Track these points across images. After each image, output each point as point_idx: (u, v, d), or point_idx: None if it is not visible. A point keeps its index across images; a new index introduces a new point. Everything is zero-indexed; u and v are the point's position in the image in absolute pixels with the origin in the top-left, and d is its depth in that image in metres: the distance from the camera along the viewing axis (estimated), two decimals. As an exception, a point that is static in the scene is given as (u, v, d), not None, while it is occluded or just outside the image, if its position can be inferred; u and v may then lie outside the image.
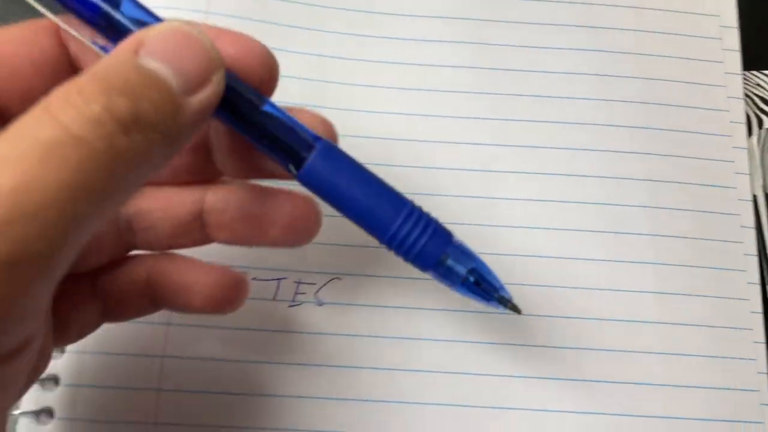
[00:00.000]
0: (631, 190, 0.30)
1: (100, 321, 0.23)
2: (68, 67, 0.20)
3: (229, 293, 0.23)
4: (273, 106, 0.20)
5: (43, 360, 0.20)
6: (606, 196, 0.30)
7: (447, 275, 0.21)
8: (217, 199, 0.22)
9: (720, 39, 0.33)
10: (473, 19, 0.32)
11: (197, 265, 0.23)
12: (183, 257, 0.23)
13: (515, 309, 0.22)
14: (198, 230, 0.23)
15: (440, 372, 0.28)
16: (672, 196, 0.30)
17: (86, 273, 0.22)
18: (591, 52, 0.32)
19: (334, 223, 0.29)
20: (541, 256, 0.29)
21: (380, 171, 0.21)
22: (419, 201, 0.21)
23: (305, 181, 0.20)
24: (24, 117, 0.15)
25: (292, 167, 0.20)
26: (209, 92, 0.17)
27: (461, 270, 0.21)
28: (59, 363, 0.26)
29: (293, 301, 0.28)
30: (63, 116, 0.14)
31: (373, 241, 0.30)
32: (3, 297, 0.14)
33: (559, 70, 0.32)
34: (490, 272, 0.22)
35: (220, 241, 0.23)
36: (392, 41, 0.32)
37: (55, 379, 0.26)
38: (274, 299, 0.28)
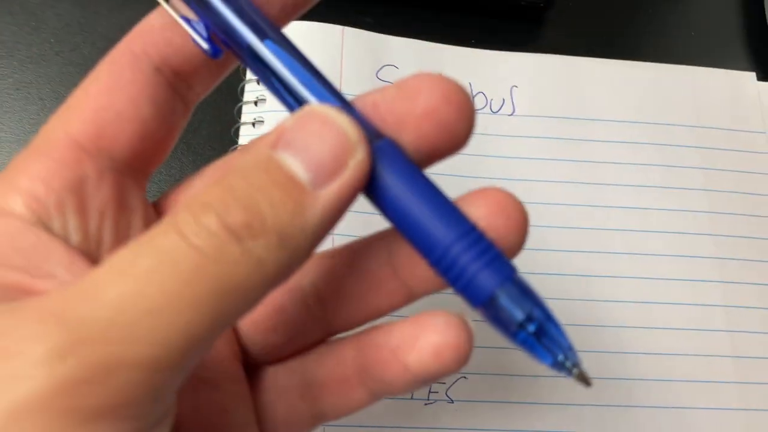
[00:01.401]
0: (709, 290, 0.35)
1: (312, 422, 0.21)
2: (170, 81, 0.18)
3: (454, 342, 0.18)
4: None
5: None
6: (686, 298, 0.34)
7: (498, 318, 0.17)
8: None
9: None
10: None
11: (408, 323, 0.18)
12: (392, 323, 0.19)
13: (583, 379, 0.17)
14: (392, 279, 0.19)
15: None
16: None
17: (289, 363, 0.21)
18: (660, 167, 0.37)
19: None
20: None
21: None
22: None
23: None
24: (155, 226, 0.15)
25: None
26: (343, 181, 0.15)
27: (517, 315, 0.17)
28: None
29: (428, 399, 0.31)
30: (183, 226, 0.14)
31: (494, 341, 0.33)
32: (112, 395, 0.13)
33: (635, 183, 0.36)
34: (556, 324, 0.17)
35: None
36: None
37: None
38: (411, 398, 0.31)
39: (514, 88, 0.37)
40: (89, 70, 0.18)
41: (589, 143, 0.37)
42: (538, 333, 0.17)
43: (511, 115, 0.37)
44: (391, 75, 0.36)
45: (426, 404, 0.31)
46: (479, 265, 0.17)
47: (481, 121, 0.36)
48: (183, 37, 0.18)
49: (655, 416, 0.32)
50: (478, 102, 0.37)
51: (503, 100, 0.37)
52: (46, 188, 0.17)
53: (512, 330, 0.17)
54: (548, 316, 0.17)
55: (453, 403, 0.31)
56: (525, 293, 0.17)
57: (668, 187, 0.36)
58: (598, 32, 0.40)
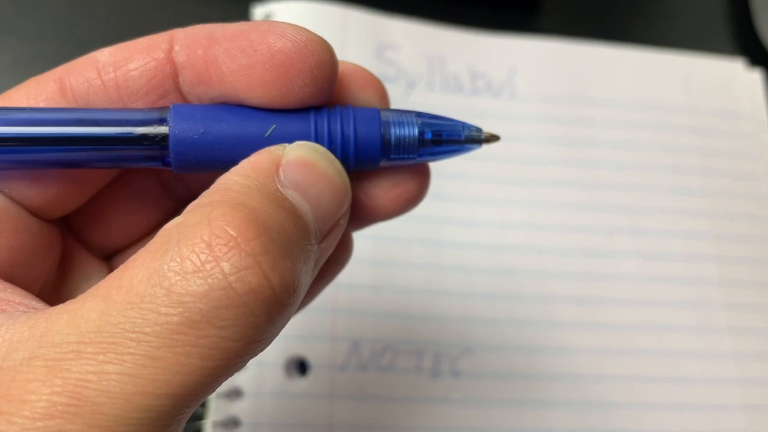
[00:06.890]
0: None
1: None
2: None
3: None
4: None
5: None
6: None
7: (401, 151, 0.17)
8: None
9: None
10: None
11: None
12: None
13: (490, 137, 0.18)
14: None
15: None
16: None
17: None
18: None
19: (463, 299, 0.32)
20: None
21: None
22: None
23: (182, 163, 0.16)
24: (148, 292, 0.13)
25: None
26: (333, 238, 0.16)
27: (410, 132, 0.17)
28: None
29: (434, 371, 0.31)
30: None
31: (499, 315, 0.33)
32: None
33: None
34: (441, 118, 0.18)
35: None
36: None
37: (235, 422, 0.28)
38: (416, 370, 0.31)
39: (515, 72, 0.37)
40: (86, 50, 0.18)
41: (588, 126, 0.37)
42: (436, 136, 0.17)
43: (512, 98, 0.37)
44: (393, 57, 0.36)
45: (432, 377, 0.31)
46: (351, 124, 0.17)
47: (482, 105, 0.37)
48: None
49: (657, 389, 0.32)
50: (479, 86, 0.37)
51: (503, 83, 0.37)
52: None
53: (418, 151, 0.17)
54: (431, 116, 0.17)
55: (459, 376, 0.31)
56: (401, 115, 0.17)
57: (665, 169, 0.37)
58: (592, 18, 0.41)
